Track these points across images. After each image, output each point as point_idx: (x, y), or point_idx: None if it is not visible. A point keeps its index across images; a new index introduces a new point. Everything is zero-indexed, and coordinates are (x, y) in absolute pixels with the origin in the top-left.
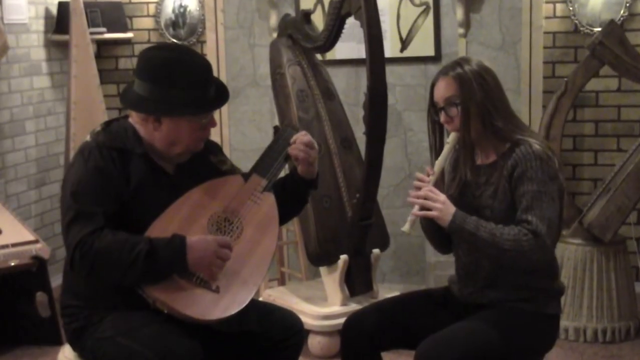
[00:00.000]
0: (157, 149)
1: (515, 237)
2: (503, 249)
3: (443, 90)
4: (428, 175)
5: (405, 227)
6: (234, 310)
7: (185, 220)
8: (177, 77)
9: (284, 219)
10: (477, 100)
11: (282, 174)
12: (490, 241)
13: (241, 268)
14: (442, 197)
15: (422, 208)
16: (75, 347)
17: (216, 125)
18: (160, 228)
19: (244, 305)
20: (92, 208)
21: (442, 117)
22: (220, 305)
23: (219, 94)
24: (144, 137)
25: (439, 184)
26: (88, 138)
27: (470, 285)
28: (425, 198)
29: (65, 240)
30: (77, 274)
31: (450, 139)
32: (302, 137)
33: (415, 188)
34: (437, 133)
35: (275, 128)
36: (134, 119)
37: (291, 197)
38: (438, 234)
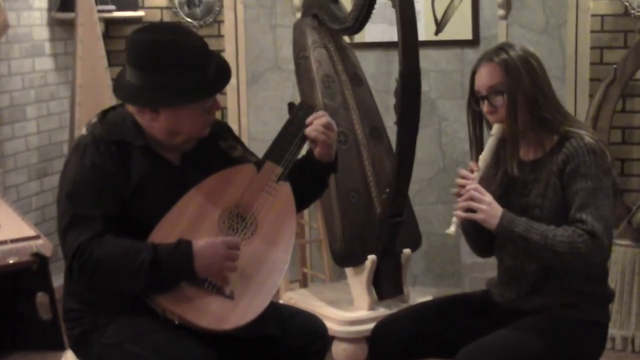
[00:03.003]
0: (158, 139)
1: (570, 238)
2: (557, 252)
3: (487, 77)
4: (472, 172)
5: (451, 230)
6: (251, 316)
7: (193, 219)
8: (169, 61)
9: (304, 204)
10: (525, 88)
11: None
12: (542, 244)
13: (257, 269)
14: (488, 197)
15: (467, 209)
16: (78, 354)
17: (220, 108)
18: (167, 229)
19: (261, 310)
20: (89, 211)
21: (485, 107)
22: (235, 312)
23: (219, 74)
24: (144, 127)
25: (484, 180)
26: (84, 131)
27: (513, 291)
28: (471, 198)
29: (62, 248)
30: (76, 283)
31: (495, 131)
32: (320, 118)
33: (459, 187)
34: (477, 125)
35: (290, 105)
36: (131, 108)
37: (311, 181)
38: (478, 236)
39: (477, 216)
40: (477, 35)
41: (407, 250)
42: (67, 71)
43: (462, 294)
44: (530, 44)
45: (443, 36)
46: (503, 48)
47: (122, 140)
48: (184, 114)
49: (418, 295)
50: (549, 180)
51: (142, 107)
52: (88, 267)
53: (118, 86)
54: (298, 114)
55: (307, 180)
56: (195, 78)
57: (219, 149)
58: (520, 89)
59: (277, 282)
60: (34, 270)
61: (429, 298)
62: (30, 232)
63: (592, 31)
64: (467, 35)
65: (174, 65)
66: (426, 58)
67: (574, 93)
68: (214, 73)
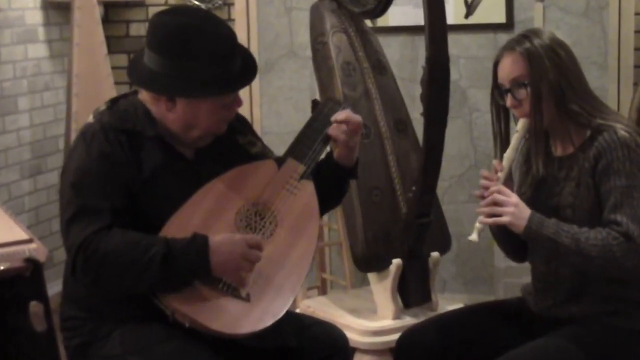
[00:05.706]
0: (172, 131)
1: (604, 241)
2: (590, 257)
3: (509, 68)
4: (496, 172)
5: (473, 237)
6: (267, 321)
7: (208, 215)
8: (194, 48)
9: (320, 210)
10: (550, 79)
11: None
12: (574, 248)
13: (275, 271)
14: (514, 198)
15: (491, 213)
16: None
17: (242, 104)
18: (180, 224)
19: (279, 315)
20: (96, 202)
21: (509, 101)
22: (251, 316)
23: (245, 69)
24: (157, 117)
25: (509, 181)
26: (91, 119)
27: (549, 298)
28: (494, 202)
29: (66, 241)
30: (79, 281)
31: (520, 127)
32: (344, 115)
33: (482, 188)
34: (502, 120)
35: (314, 102)
36: (145, 96)
37: (327, 187)
38: (509, 239)
39: (502, 220)
40: (511, 19)
41: (435, 254)
42: (62, 59)
43: (495, 301)
44: (569, 28)
45: (474, 19)
46: (527, 36)
47: (132, 130)
48: (201, 107)
49: (447, 302)
50: (580, 178)
51: (158, 95)
52: (94, 261)
53: (134, 69)
54: (323, 110)
55: (324, 184)
56: (220, 70)
57: (236, 145)
58: (545, 81)
59: (296, 287)
60: (26, 277)
61: (459, 306)
62: (23, 235)
63: (637, 13)
64: (501, 18)
65: (199, 54)
66: (456, 43)
67: (617, 81)
68: (240, 67)
